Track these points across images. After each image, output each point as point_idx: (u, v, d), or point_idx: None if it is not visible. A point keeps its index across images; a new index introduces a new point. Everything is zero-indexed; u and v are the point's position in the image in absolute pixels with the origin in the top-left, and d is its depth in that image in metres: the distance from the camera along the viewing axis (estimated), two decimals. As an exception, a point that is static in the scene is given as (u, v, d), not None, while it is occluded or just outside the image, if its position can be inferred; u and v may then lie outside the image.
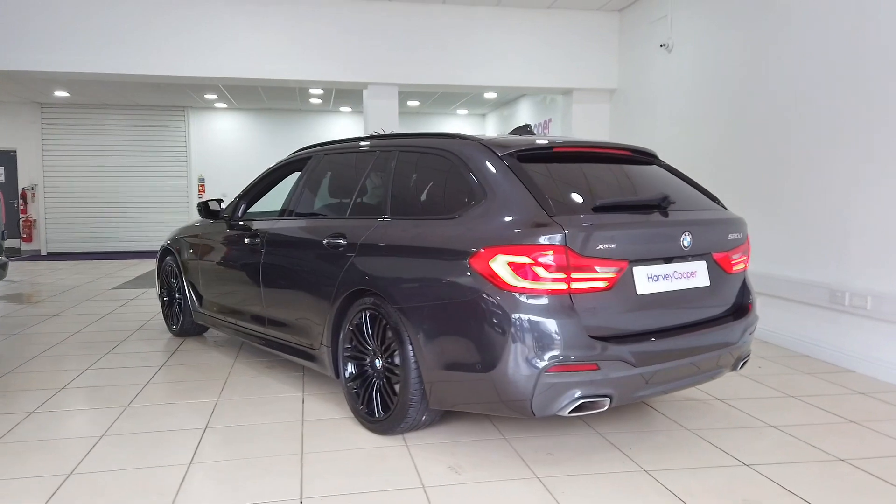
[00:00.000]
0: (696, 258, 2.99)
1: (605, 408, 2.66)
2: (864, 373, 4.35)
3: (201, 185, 13.99)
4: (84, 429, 3.29)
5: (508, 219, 2.71)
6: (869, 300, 4.30)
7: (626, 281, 2.72)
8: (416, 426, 3.11)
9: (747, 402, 3.73)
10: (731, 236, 3.14)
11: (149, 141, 13.68)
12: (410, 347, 2.94)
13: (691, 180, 3.44)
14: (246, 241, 4.25)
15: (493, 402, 2.71)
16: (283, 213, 4.08)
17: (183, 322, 5.26)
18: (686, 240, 2.90)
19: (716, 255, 3.08)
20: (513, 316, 2.58)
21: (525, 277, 2.58)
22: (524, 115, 11.98)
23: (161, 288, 5.62)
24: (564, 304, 2.58)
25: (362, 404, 3.27)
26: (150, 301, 7.26)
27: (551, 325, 2.55)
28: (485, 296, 2.65)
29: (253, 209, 4.69)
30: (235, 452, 2.99)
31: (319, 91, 11.53)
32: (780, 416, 3.51)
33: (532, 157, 2.98)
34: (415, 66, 7.79)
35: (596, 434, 3.21)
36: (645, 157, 3.42)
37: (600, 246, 2.63)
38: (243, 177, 14.31)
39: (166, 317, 5.56)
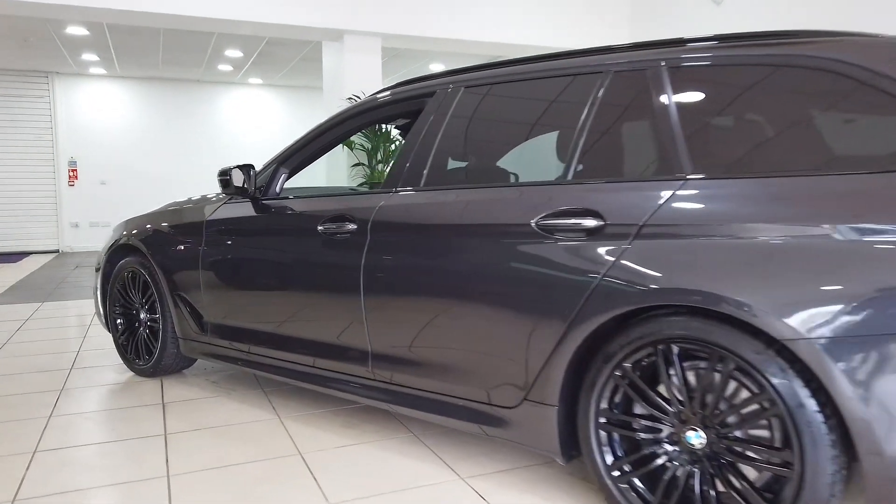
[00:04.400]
0: None
1: None
2: None
3: (72, 170, 11.38)
4: None
5: None
6: None
7: None
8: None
9: None
10: None
11: (-1, 114, 10.86)
12: (821, 416, 1.58)
13: None
14: (320, 229, 2.64)
15: None
16: (397, 182, 2.52)
17: (161, 356, 3.46)
18: None
19: None
20: None
21: None
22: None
23: (111, 305, 3.75)
24: None
25: (660, 510, 1.85)
26: (57, 321, 5.19)
27: None
28: None
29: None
30: None
31: (238, 54, 9.54)
32: None
33: None
34: (403, 13, 6.25)
35: None
36: None
37: None
38: (127, 161, 11.80)
39: (123, 348, 3.71)
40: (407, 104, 2.72)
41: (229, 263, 3.04)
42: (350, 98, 6.23)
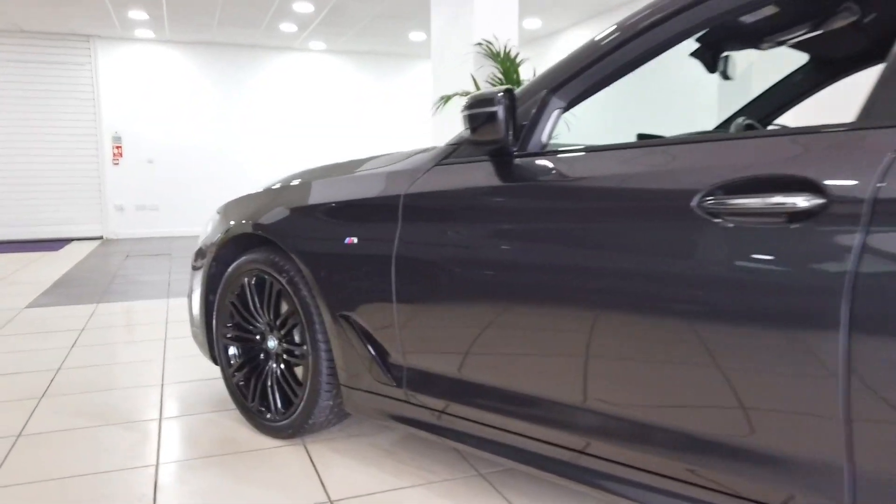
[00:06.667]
0: None
1: None
2: None
3: (117, 147, 10.22)
4: None
5: None
6: None
7: None
8: None
9: None
10: None
11: (34, 83, 9.70)
12: None
13: None
14: (701, 204, 1.30)
15: None
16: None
17: (309, 410, 2.18)
18: None
19: None
20: None
21: None
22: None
23: (220, 325, 2.48)
24: None
25: None
26: (120, 332, 3.96)
27: None
28: None
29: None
30: None
31: (308, 9, 8.24)
32: None
33: None
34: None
35: None
36: None
37: None
38: (176, 136, 10.48)
39: (240, 391, 2.44)
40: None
41: (459, 268, 1.72)
42: (480, 44, 4.91)
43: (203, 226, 2.74)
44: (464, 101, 4.81)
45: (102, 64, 9.97)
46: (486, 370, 1.69)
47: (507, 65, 4.80)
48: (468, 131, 1.65)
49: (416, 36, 9.87)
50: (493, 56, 4.87)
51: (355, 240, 1.97)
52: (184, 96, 10.46)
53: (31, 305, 4.82)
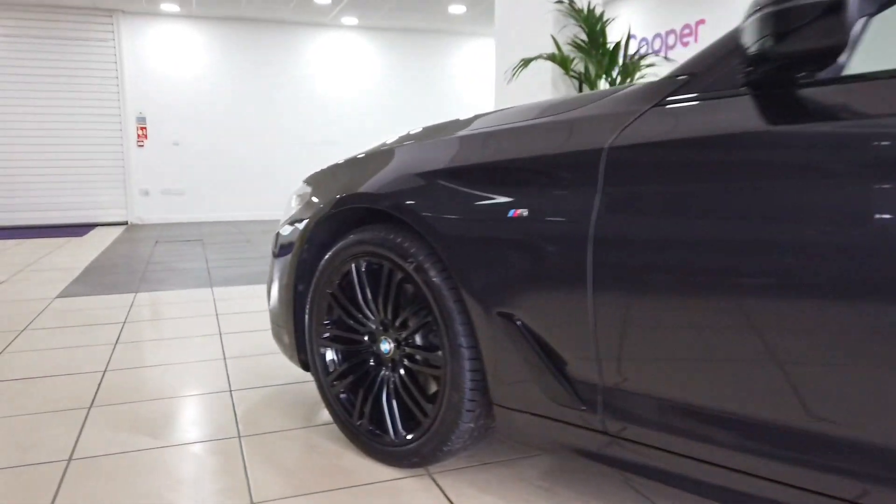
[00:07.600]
0: None
1: None
2: None
3: (141, 128, 9.75)
4: None
5: None
6: None
7: None
8: None
9: None
10: None
11: (54, 61, 9.22)
12: None
13: None
14: None
15: None
16: None
17: (446, 432, 1.68)
18: None
19: None
20: None
21: None
22: (638, 19, 8.66)
23: (315, 323, 1.98)
24: None
25: None
26: (168, 326, 3.48)
27: None
28: None
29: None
30: None
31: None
32: None
33: None
34: None
35: None
36: None
37: None
38: (203, 117, 9.92)
39: (342, 406, 1.94)
40: None
41: (708, 251, 1.20)
42: (561, 1, 4.38)
43: (285, 203, 2.25)
44: (547, 65, 4.25)
45: (126, 40, 9.48)
46: (737, 395, 1.18)
47: (593, 23, 4.27)
48: (768, 39, 1.11)
49: (456, 9, 9.30)
50: (576, 14, 4.33)
51: (525, 212, 1.46)
52: (211, 75, 9.97)
53: (62, 295, 4.37)
